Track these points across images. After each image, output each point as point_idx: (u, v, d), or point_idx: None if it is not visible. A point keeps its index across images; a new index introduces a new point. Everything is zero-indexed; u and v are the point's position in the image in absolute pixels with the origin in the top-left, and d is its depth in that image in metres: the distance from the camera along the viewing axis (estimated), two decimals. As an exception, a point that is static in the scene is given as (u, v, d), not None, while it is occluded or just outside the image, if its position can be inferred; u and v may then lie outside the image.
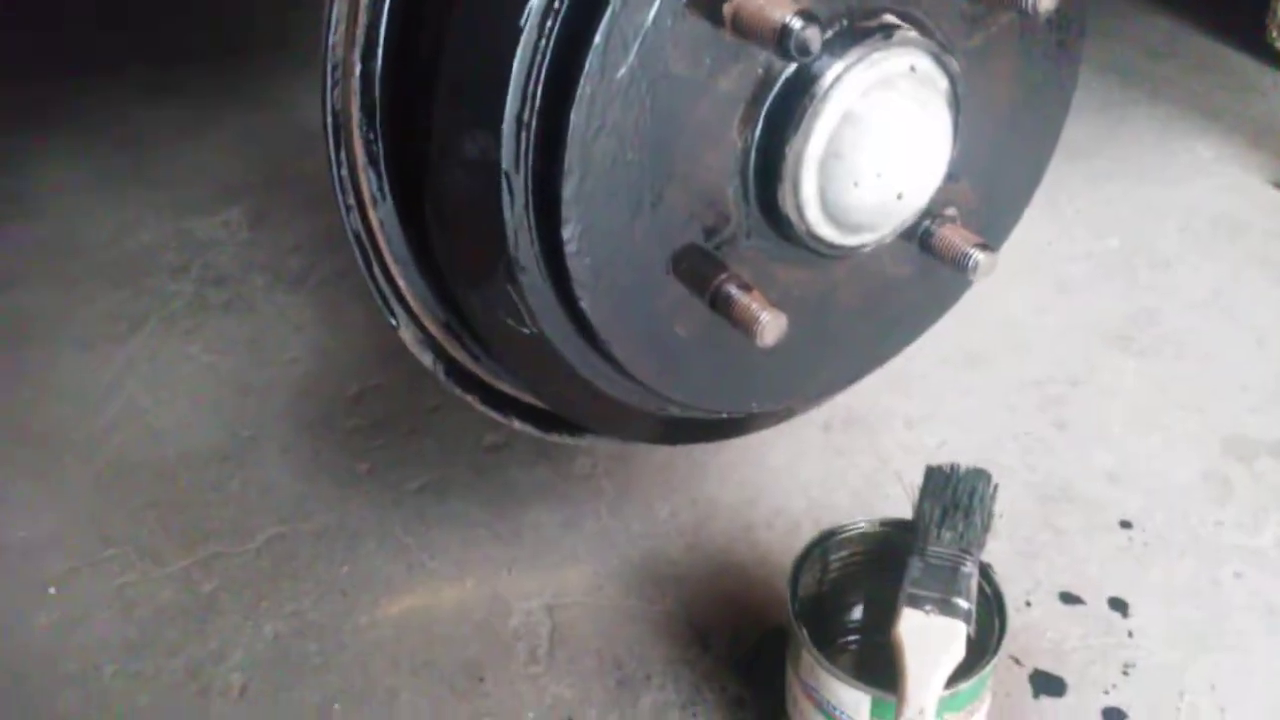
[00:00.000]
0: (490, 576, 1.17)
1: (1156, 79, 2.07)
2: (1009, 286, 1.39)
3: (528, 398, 0.95)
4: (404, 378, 1.39)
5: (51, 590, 1.17)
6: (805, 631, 0.89)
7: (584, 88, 0.67)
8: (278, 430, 1.35)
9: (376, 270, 0.79)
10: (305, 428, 1.36)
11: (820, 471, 1.29)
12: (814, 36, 0.66)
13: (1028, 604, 1.13)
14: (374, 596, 1.16)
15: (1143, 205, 1.76)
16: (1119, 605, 1.13)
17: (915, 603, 0.85)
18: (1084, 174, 1.79)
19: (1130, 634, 1.10)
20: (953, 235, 0.84)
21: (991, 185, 0.90)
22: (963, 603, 0.85)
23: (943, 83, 0.77)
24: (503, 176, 0.71)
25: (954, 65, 0.78)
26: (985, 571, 0.93)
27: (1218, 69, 2.11)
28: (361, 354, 1.46)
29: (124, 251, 1.64)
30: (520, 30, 0.67)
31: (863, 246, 0.81)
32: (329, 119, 0.72)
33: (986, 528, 0.93)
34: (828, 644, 1.01)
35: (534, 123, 0.69)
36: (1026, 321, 1.53)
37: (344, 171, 0.73)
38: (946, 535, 0.90)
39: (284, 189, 1.75)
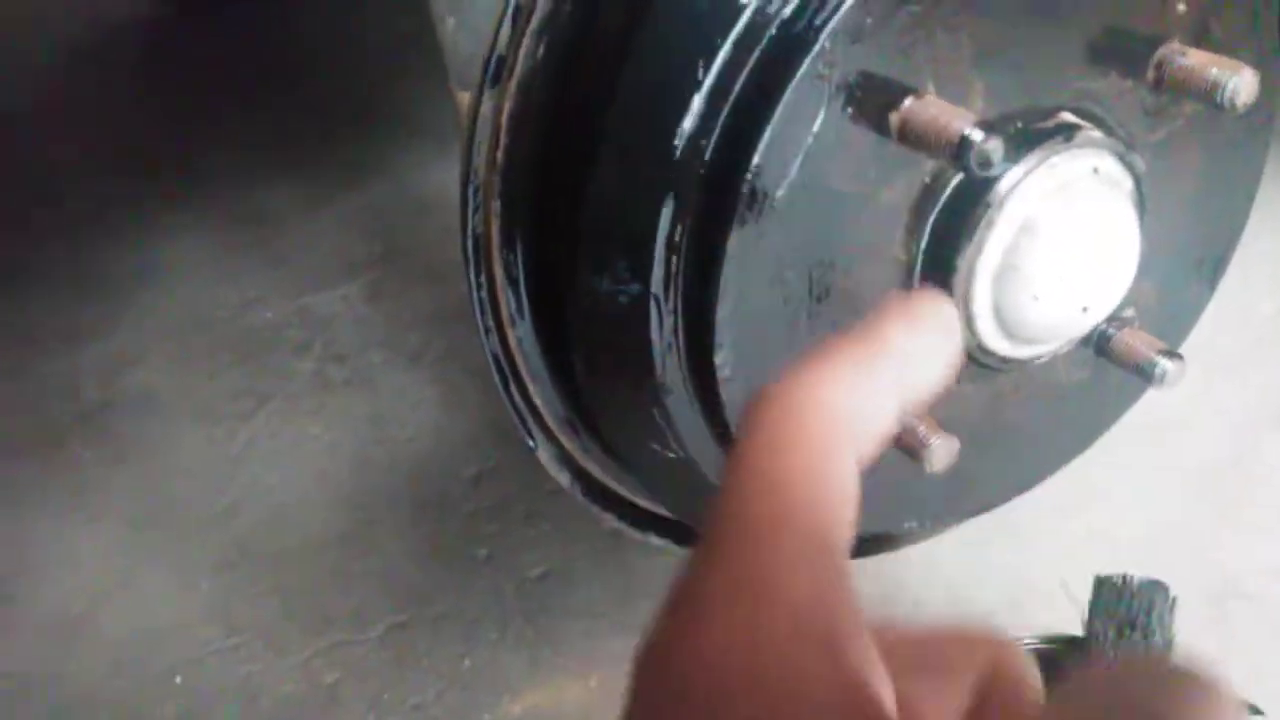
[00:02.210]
0: (615, 674, 1.12)
1: (1306, 123, 1.94)
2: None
3: (664, 510, 0.91)
4: (520, 459, 1.35)
5: (178, 679, 1.16)
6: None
7: (741, 210, 0.63)
8: (398, 513, 1.33)
9: (514, 389, 0.75)
10: (424, 510, 1.33)
11: (962, 565, 1.21)
12: (996, 148, 0.60)
13: None
14: (497, 692, 1.12)
15: (1298, 263, 1.64)
16: (1307, 722, 1.03)
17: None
18: (1234, 230, 1.68)
19: (1322, 755, 1.00)
20: (1134, 341, 0.76)
21: (1174, 282, 0.83)
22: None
23: (1127, 183, 0.71)
24: (652, 300, 0.66)
25: (1138, 164, 0.71)
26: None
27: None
28: (478, 433, 1.43)
29: (247, 327, 1.65)
30: (674, 150, 0.63)
31: (1037, 358, 0.75)
32: (469, 241, 0.69)
33: (1168, 649, 0.85)
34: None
35: (686, 245, 0.65)
36: (1178, 399, 1.41)
37: (483, 293, 0.70)
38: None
39: (399, 262, 1.75)
